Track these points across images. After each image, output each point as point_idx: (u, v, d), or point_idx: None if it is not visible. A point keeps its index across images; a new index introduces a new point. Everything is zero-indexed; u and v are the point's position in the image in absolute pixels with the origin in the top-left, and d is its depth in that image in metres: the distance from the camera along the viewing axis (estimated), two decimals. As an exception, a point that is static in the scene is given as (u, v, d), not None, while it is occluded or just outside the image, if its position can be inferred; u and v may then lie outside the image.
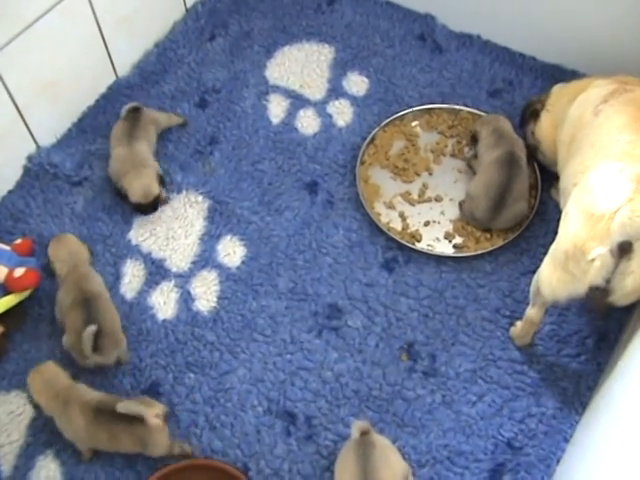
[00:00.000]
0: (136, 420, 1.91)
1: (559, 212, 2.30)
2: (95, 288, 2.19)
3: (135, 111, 2.50)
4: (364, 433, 1.87)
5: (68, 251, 2.27)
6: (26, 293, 2.18)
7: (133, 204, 2.38)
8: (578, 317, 2.21)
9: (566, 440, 2.03)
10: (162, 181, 2.45)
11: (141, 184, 2.36)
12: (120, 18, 2.64)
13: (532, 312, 2.08)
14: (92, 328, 2.02)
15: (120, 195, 2.43)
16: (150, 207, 2.40)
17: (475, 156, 2.49)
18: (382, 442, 1.89)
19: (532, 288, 2.04)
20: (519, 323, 2.15)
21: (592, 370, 2.11)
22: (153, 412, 1.92)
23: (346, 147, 2.58)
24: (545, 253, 2.25)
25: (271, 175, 2.52)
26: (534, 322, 2.10)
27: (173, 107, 2.67)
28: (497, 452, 2.02)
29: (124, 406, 1.91)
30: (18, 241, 2.28)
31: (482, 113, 2.60)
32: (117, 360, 2.14)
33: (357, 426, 1.88)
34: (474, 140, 2.50)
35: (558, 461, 2.00)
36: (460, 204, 2.43)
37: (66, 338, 2.11)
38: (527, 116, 2.46)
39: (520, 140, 2.43)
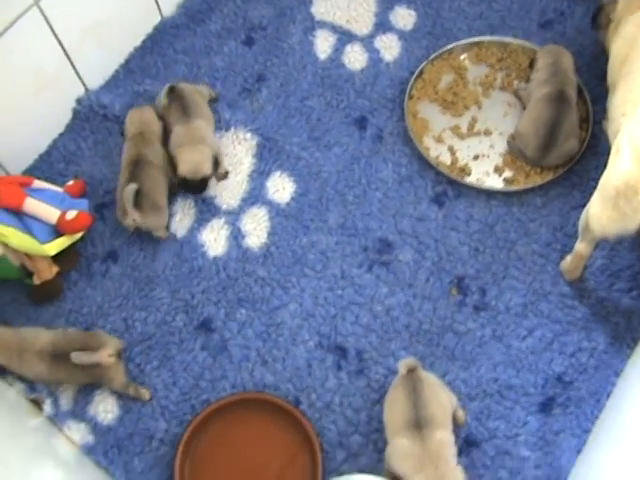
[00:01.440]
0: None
1: (611, 145, 2.29)
2: (151, 155, 2.29)
3: (173, 91, 2.40)
4: (411, 370, 1.88)
5: (141, 118, 2.36)
6: (78, 235, 2.22)
7: (180, 179, 2.30)
8: (630, 252, 2.18)
9: (617, 375, 2.02)
10: (217, 163, 2.35)
11: (193, 159, 2.28)
12: (165, -43, 2.64)
13: (581, 247, 2.05)
14: (133, 186, 2.17)
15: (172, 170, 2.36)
16: (197, 187, 2.31)
17: (527, 81, 2.45)
18: (430, 378, 1.91)
19: (581, 223, 2.02)
20: (569, 257, 2.13)
21: (644, 306, 2.10)
22: (106, 353, 1.96)
23: (394, 82, 2.55)
24: (597, 187, 2.24)
25: (319, 111, 2.51)
26: (583, 257, 2.08)
27: (219, 45, 2.65)
28: (547, 386, 2.03)
29: (78, 357, 1.94)
30: (70, 183, 2.32)
31: (532, 45, 2.54)
32: (156, 231, 2.29)
33: (404, 363, 1.90)
34: (531, 66, 2.44)
35: (608, 395, 2.00)
36: (508, 142, 2.39)
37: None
38: (597, 22, 2.41)
39: (574, 79, 2.37)
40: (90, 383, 2.06)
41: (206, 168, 2.29)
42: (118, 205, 2.25)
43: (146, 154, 2.28)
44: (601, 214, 1.89)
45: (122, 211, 2.22)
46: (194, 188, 2.31)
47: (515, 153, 2.36)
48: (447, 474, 1.76)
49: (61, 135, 2.52)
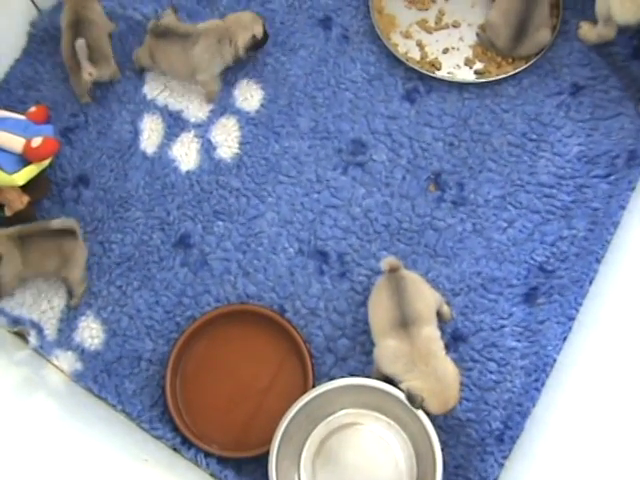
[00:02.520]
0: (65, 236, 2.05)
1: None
2: (90, 14, 2.32)
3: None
4: (393, 269, 1.89)
5: None
6: (46, 162, 2.15)
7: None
8: (607, 137, 2.17)
9: (598, 261, 2.03)
10: None
11: None
12: None
13: (604, 30, 2.18)
14: (82, 40, 2.20)
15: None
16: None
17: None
18: (412, 276, 1.92)
19: (599, 11, 2.15)
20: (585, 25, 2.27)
21: (623, 189, 2.09)
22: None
23: (357, -22, 2.49)
24: (570, 74, 2.21)
25: (282, 14, 2.42)
26: (608, 38, 2.20)
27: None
28: (530, 276, 2.05)
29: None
30: (32, 109, 2.23)
31: None
32: (110, 77, 2.34)
33: (387, 261, 1.90)
34: None
35: (591, 282, 2.02)
36: (478, 34, 2.34)
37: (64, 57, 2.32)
38: None
39: None
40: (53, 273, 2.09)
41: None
42: (68, 66, 2.30)
43: (85, 14, 2.29)
44: (621, 5, 2.07)
45: (73, 70, 2.28)
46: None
47: (485, 44, 2.31)
48: (438, 367, 1.80)
49: (17, 61, 2.43)
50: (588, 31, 2.25)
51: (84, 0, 2.32)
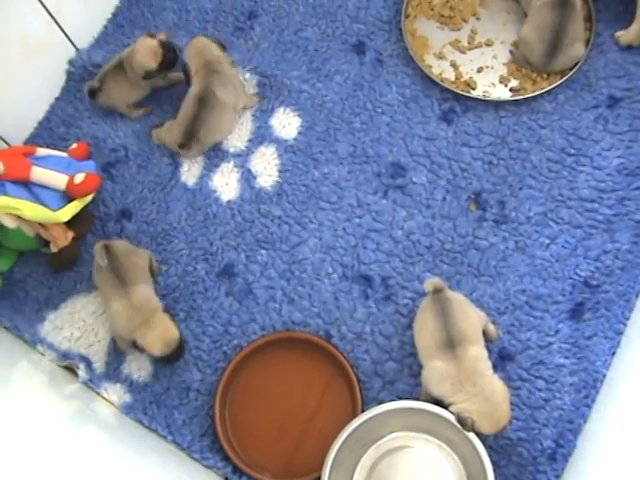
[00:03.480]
0: None
1: (616, 43, 2.27)
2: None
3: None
4: (437, 291, 1.88)
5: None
6: (89, 197, 2.19)
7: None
8: (646, 148, 2.16)
9: (644, 273, 2.02)
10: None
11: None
12: None
13: None
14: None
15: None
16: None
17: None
18: (456, 296, 1.91)
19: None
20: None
21: (666, 199, 2.08)
22: None
23: (388, 2, 2.49)
24: (606, 86, 2.20)
25: (316, 41, 2.45)
26: None
27: (206, -13, 2.60)
28: (575, 292, 2.03)
29: None
30: (74, 146, 2.30)
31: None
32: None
33: (430, 282, 1.90)
34: None
35: (637, 295, 2.00)
36: (511, 51, 2.35)
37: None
38: None
39: None
40: None
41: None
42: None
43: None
44: None
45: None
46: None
47: (519, 61, 2.31)
48: (485, 386, 1.79)
49: (57, 99, 2.48)
50: (625, 34, 2.26)
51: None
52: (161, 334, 1.99)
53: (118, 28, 2.58)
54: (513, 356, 1.98)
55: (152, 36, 2.29)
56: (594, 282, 2.02)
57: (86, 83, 2.37)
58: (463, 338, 1.81)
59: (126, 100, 2.36)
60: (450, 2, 2.45)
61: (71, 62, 2.49)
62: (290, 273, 2.13)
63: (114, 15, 2.60)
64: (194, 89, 2.24)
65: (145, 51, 2.26)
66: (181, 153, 2.27)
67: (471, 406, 1.77)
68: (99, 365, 2.09)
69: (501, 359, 1.98)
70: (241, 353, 2.02)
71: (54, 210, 2.07)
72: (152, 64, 2.26)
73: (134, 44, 2.30)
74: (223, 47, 2.34)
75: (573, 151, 2.18)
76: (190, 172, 2.29)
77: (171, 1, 2.59)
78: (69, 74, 2.50)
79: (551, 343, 1.99)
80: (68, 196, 2.12)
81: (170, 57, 2.31)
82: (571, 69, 2.25)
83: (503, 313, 2.03)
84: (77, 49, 2.51)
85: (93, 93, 2.36)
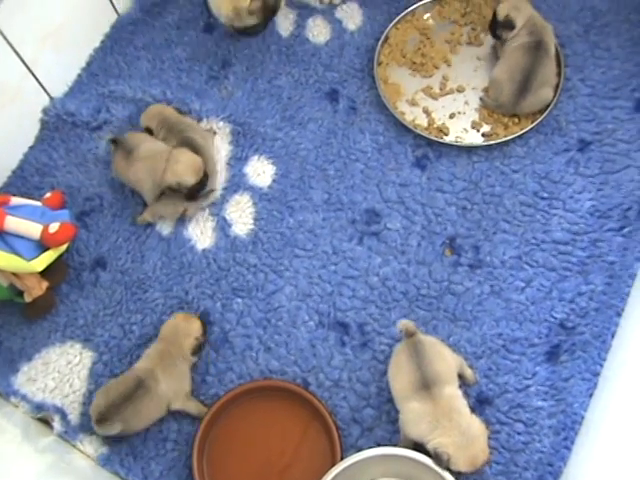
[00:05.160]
0: None
1: (587, 87, 2.32)
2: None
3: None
4: (410, 333, 1.88)
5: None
6: (64, 247, 2.17)
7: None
8: (617, 190, 2.19)
9: (618, 314, 2.03)
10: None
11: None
12: (113, -47, 2.59)
13: None
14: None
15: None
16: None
17: (501, 41, 2.42)
18: (430, 339, 1.92)
19: None
20: None
21: (637, 241, 2.10)
22: None
23: (360, 50, 2.52)
24: (577, 130, 2.23)
25: (289, 89, 2.48)
26: None
27: (180, 37, 2.61)
28: (551, 335, 2.04)
29: None
30: (48, 195, 2.28)
31: (494, -5, 2.53)
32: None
33: (402, 324, 1.90)
34: (508, 26, 2.35)
35: (613, 336, 2.01)
36: (481, 97, 2.38)
37: None
38: None
39: (550, 27, 2.35)
40: None
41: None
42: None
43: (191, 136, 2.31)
44: None
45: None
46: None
47: (490, 106, 2.34)
48: (462, 421, 1.78)
49: (31, 148, 2.48)
50: None
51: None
52: None
53: (92, 77, 2.59)
54: (491, 400, 1.98)
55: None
56: (570, 324, 2.03)
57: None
58: (438, 378, 1.81)
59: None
60: (421, 49, 2.48)
61: (45, 111, 2.50)
62: (266, 321, 2.12)
63: (88, 64, 2.61)
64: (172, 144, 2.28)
65: (188, 163, 2.21)
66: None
67: (446, 439, 1.76)
68: (74, 416, 2.06)
69: (479, 403, 1.97)
70: (218, 402, 2.00)
71: (28, 260, 2.05)
72: (190, 179, 2.20)
73: (173, 155, 2.21)
74: (180, 112, 2.39)
75: (546, 195, 2.20)
76: (165, 221, 2.29)
77: (145, 50, 2.61)
78: (43, 123, 2.50)
79: (529, 386, 1.98)
80: (42, 245, 2.10)
81: (205, 181, 2.25)
82: (541, 113, 2.29)
83: (480, 357, 2.02)
84: (51, 98, 2.51)
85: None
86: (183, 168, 2.17)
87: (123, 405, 1.93)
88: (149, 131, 2.36)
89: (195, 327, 2.06)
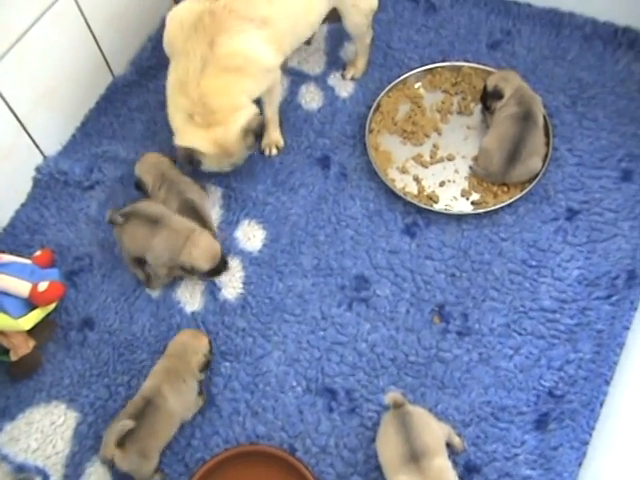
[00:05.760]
0: None
1: (575, 157, 2.36)
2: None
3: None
4: (398, 405, 1.87)
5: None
6: (52, 306, 2.17)
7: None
8: (605, 259, 2.21)
9: (607, 383, 2.03)
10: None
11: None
12: (110, 16, 2.63)
13: None
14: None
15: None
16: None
17: (484, 104, 2.48)
18: (418, 410, 1.90)
19: None
20: None
21: (625, 309, 2.11)
22: None
23: (352, 117, 2.57)
24: (565, 199, 2.26)
25: (281, 155, 2.51)
26: None
27: (174, 99, 2.64)
28: (540, 403, 2.03)
29: None
30: (38, 253, 2.28)
31: (484, 67, 2.58)
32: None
33: (390, 396, 1.89)
34: (496, 96, 2.43)
35: (601, 404, 2.00)
36: (471, 166, 2.41)
37: None
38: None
39: (538, 98, 2.40)
40: None
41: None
42: None
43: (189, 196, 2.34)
44: None
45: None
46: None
47: (480, 174, 2.38)
48: None
49: (23, 205, 2.49)
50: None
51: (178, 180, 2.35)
52: None
53: (86, 137, 2.62)
54: (479, 468, 1.96)
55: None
56: (558, 392, 2.02)
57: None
58: (426, 450, 1.79)
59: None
60: (412, 118, 2.53)
61: (38, 169, 2.52)
62: (254, 385, 2.10)
63: (83, 124, 2.65)
64: (172, 208, 2.28)
65: (207, 249, 2.20)
66: None
67: None
68: (56, 478, 2.02)
69: (467, 471, 1.95)
70: (204, 467, 1.96)
71: (16, 318, 2.04)
72: (205, 266, 2.19)
73: (193, 237, 2.18)
74: (174, 162, 2.40)
75: (534, 263, 2.22)
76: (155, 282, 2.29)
77: (139, 112, 2.65)
78: (35, 181, 2.52)
79: (517, 454, 1.97)
80: (31, 304, 2.10)
81: (221, 268, 2.25)
82: (530, 182, 2.32)
83: (468, 425, 2.01)
84: (45, 156, 2.53)
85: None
86: (200, 253, 2.16)
87: (136, 426, 1.91)
88: (141, 183, 2.36)
89: (203, 344, 2.07)
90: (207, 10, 2.14)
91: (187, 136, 2.24)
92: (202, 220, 2.27)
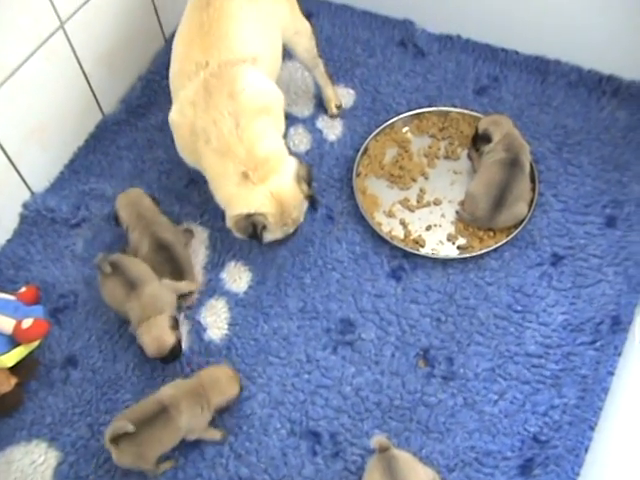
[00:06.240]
0: None
1: (560, 203, 2.38)
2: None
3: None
4: (383, 449, 1.86)
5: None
6: (36, 343, 2.15)
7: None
8: (590, 304, 2.22)
9: (592, 428, 2.02)
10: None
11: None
12: (101, 55, 2.65)
13: None
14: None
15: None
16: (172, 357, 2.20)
17: (470, 149, 2.52)
18: (403, 455, 1.89)
19: None
20: None
21: (610, 355, 2.11)
22: None
23: (340, 161, 2.59)
24: (550, 245, 2.27)
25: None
26: None
27: (162, 138, 2.65)
28: (524, 448, 2.02)
29: None
30: (22, 290, 2.26)
31: (471, 112, 2.62)
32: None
33: (376, 440, 1.87)
34: (485, 139, 2.47)
35: (586, 450, 2.00)
36: (457, 211, 2.43)
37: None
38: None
39: (527, 146, 2.44)
40: None
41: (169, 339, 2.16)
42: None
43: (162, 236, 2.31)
44: None
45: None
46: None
47: (465, 219, 2.39)
48: None
49: (9, 241, 2.48)
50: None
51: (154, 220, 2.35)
52: None
53: (74, 174, 2.62)
54: (463, 514, 1.96)
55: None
56: (543, 437, 2.02)
57: None
58: (411, 495, 1.79)
59: None
60: (400, 162, 2.55)
61: (25, 205, 2.52)
62: (238, 428, 2.09)
63: (71, 161, 2.66)
64: (143, 248, 2.28)
65: (154, 341, 2.12)
66: None
67: None
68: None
69: (451, 517, 1.96)
70: (186, 509, 1.96)
71: (-2, 355, 2.04)
72: (150, 353, 2.12)
73: (148, 321, 2.12)
74: (156, 201, 2.41)
75: (519, 308, 2.22)
76: (140, 321, 2.28)
77: (127, 150, 2.66)
78: (22, 217, 2.52)
79: (502, 500, 1.97)
80: (14, 340, 2.08)
81: (168, 359, 2.17)
82: (516, 227, 2.33)
83: (453, 470, 2.00)
84: (32, 193, 2.54)
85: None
86: (148, 341, 2.11)
87: (140, 430, 1.91)
88: (117, 218, 2.36)
89: (233, 391, 2.07)
90: (204, 79, 2.11)
91: (246, 200, 2.11)
92: (175, 261, 2.26)
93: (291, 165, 2.14)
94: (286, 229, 2.19)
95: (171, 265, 2.25)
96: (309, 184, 2.17)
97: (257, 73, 2.17)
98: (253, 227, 2.10)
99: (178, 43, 2.25)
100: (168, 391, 2.00)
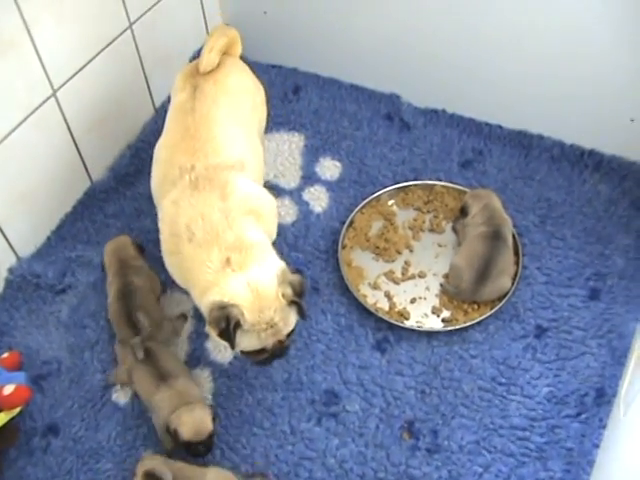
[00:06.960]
0: None
1: (544, 275, 2.41)
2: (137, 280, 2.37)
3: None
4: None
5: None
6: (17, 410, 2.12)
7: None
8: (574, 376, 2.22)
9: (578, 502, 2.01)
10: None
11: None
12: (91, 123, 2.68)
13: None
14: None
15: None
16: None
17: (458, 228, 2.55)
18: None
19: None
20: None
21: (595, 427, 2.11)
22: None
23: (326, 232, 2.61)
24: (534, 317, 2.29)
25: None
26: None
27: (150, 207, 2.64)
28: (512, 522, 2.01)
29: None
30: (5, 355, 2.25)
31: (456, 186, 2.66)
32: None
33: None
34: (463, 212, 2.52)
35: (573, 528, 1.99)
36: (442, 284, 2.45)
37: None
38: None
39: (509, 220, 2.48)
40: None
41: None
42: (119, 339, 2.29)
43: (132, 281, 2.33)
44: None
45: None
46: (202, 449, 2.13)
47: (450, 292, 2.41)
48: None
49: (-8, 308, 2.48)
50: None
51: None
52: None
53: (61, 241, 2.63)
54: None
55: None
56: (527, 513, 2.01)
57: None
58: None
59: None
60: (385, 234, 2.57)
61: (11, 270, 2.51)
62: (220, 500, 2.07)
63: (58, 227, 2.66)
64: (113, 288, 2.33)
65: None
66: None
67: None
68: None
69: None
70: None
71: (-22, 421, 2.01)
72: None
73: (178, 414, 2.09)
74: (141, 250, 2.45)
75: (504, 380, 2.22)
76: (122, 390, 2.25)
77: (114, 218, 2.68)
78: (7, 282, 2.51)
79: None
80: (-5, 407, 2.07)
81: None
82: (500, 300, 2.36)
83: None
84: (18, 258, 2.53)
85: None
86: (189, 421, 2.05)
87: None
88: (103, 264, 2.41)
89: None
90: (190, 180, 2.07)
91: (221, 288, 1.96)
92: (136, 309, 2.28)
93: (276, 263, 2.03)
94: (264, 337, 1.97)
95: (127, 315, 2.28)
96: (299, 295, 2.00)
97: (247, 180, 2.16)
98: (226, 318, 1.92)
99: (161, 147, 2.26)
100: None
